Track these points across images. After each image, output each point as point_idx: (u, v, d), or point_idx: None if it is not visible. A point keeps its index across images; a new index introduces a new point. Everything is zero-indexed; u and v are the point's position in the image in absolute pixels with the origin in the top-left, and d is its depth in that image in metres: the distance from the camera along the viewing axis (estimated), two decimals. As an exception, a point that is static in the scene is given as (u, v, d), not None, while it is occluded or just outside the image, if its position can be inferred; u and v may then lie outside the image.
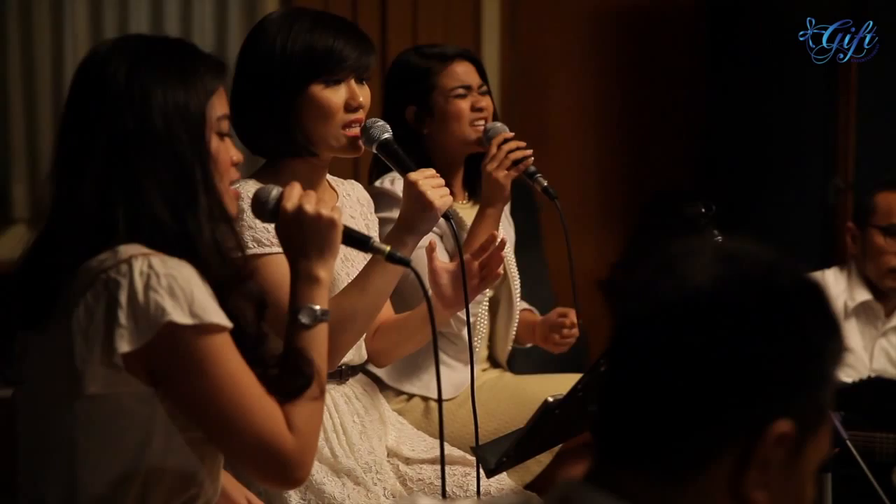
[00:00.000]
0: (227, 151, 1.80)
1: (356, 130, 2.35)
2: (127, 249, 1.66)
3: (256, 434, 1.70)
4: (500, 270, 2.44)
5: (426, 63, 2.86)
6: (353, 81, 2.34)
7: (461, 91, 2.85)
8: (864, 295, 3.39)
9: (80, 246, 1.68)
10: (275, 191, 1.88)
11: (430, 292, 2.38)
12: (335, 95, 2.32)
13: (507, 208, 2.99)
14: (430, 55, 2.89)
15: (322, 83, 2.31)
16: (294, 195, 1.86)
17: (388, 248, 1.93)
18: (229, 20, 4.40)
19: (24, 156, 4.18)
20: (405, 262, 1.94)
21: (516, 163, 2.75)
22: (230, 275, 1.73)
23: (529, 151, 2.76)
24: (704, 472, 1.12)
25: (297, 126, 2.32)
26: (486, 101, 2.88)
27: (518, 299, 2.98)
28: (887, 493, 2.58)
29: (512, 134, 2.79)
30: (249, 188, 2.15)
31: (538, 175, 2.80)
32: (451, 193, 2.85)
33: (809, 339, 1.14)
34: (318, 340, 1.82)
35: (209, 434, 1.73)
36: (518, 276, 3.00)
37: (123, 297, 1.63)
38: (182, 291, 1.64)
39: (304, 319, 1.81)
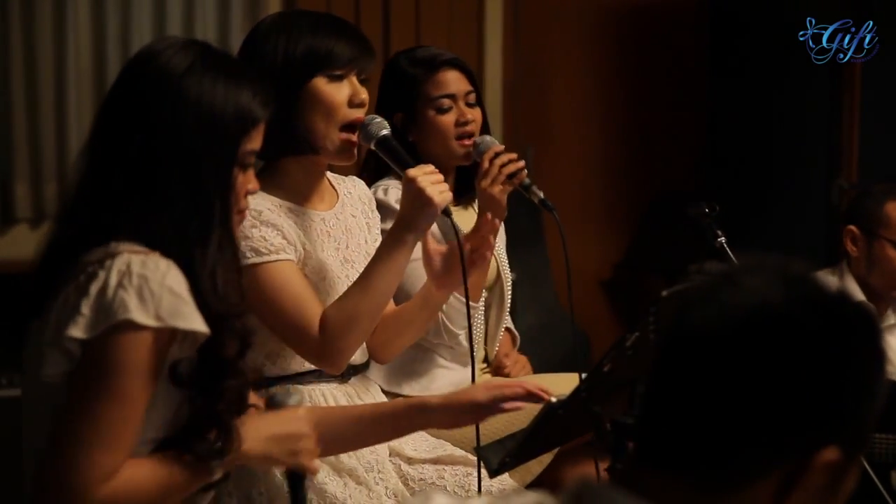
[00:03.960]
0: (245, 183, 1.80)
1: (353, 136, 2.34)
2: (119, 246, 1.68)
3: (78, 466, 1.64)
4: (489, 254, 2.42)
5: (413, 70, 2.82)
6: (354, 78, 2.33)
7: (446, 102, 2.80)
8: (857, 296, 3.38)
9: (80, 242, 1.70)
10: (292, 399, 1.88)
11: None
12: (338, 91, 2.32)
13: None
14: (419, 61, 2.83)
15: (325, 77, 2.31)
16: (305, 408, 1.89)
17: None
18: (231, 22, 4.40)
19: (26, 155, 4.18)
20: None
21: (510, 176, 2.70)
22: (222, 311, 1.73)
23: (522, 164, 2.71)
24: (747, 489, 1.11)
25: (299, 121, 2.31)
26: (473, 113, 2.82)
27: (509, 300, 2.97)
28: (888, 495, 2.58)
29: (502, 147, 2.74)
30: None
31: (533, 187, 2.73)
32: None
33: (867, 370, 1.14)
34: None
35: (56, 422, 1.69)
36: (510, 277, 2.97)
37: (94, 289, 1.64)
38: (151, 294, 1.64)
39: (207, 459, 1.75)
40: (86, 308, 1.64)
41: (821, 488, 1.10)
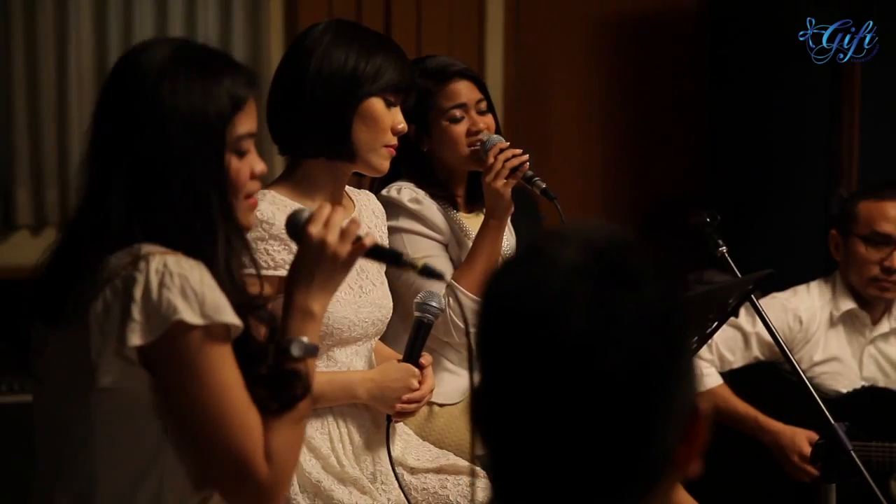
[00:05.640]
0: (246, 168, 1.80)
1: (394, 149, 2.45)
2: (145, 248, 1.69)
3: (233, 451, 1.70)
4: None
5: (424, 82, 2.83)
6: (399, 108, 2.44)
7: (457, 113, 2.84)
8: (849, 304, 3.38)
9: (100, 247, 1.71)
10: (306, 212, 1.87)
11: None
12: (389, 116, 2.42)
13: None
14: (429, 72, 2.86)
15: (383, 100, 2.41)
16: (321, 219, 1.84)
17: (421, 263, 1.90)
18: (233, 24, 4.39)
19: (27, 161, 4.17)
20: (440, 277, 1.91)
21: (514, 170, 2.76)
22: (243, 303, 1.74)
23: (525, 157, 2.77)
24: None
25: (347, 130, 2.39)
26: (484, 121, 2.86)
27: None
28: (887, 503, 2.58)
29: (507, 143, 2.80)
30: (270, 201, 2.31)
31: (536, 178, 2.81)
32: (456, 203, 2.88)
33: (689, 373, 1.13)
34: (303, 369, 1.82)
35: (190, 443, 1.73)
36: None
37: (138, 293, 1.65)
38: (193, 292, 1.66)
39: (296, 353, 1.81)
40: (137, 313, 1.65)
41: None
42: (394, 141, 2.43)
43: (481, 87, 2.91)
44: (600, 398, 1.07)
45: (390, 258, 1.96)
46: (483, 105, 2.88)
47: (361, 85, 2.38)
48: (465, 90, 2.86)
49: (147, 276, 1.66)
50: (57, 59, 4.18)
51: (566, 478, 1.09)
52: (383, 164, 2.45)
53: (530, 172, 2.79)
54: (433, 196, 2.83)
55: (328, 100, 2.37)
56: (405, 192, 2.79)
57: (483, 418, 1.15)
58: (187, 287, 1.66)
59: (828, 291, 3.41)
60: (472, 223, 2.87)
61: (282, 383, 1.77)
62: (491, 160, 2.76)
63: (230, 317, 1.69)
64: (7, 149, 4.17)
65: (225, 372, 1.70)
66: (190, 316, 1.65)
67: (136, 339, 1.65)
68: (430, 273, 1.90)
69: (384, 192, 2.80)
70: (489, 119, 2.88)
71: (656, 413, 1.09)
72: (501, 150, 2.77)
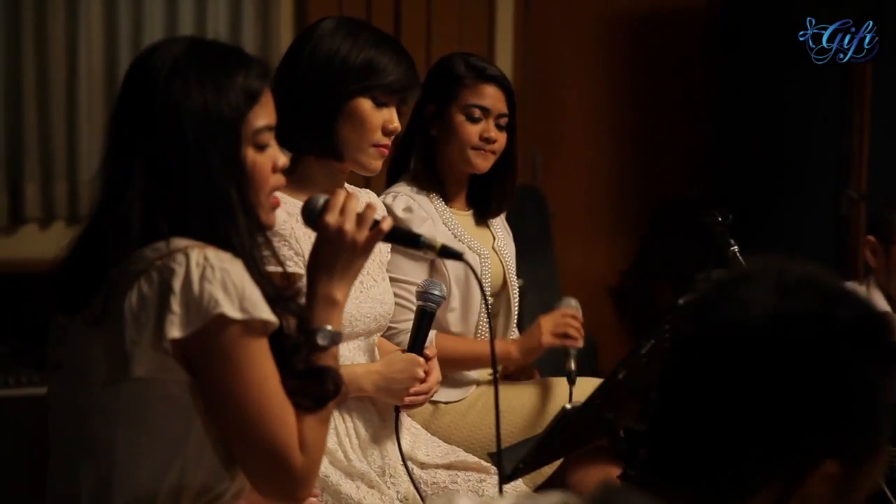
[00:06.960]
0: (267, 162, 1.80)
1: (384, 147, 2.40)
2: (178, 241, 1.68)
3: (271, 443, 1.71)
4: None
5: (461, 73, 2.84)
6: (394, 108, 2.39)
7: (477, 112, 2.83)
8: (883, 307, 3.39)
9: (126, 242, 1.70)
10: (321, 200, 1.87)
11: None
12: (378, 116, 2.37)
13: (502, 217, 3.00)
14: (471, 66, 2.86)
15: (371, 100, 2.37)
16: (336, 206, 1.84)
17: (440, 244, 1.90)
18: (243, 21, 4.40)
19: (36, 155, 4.18)
20: (459, 256, 1.92)
21: (565, 336, 2.82)
22: (273, 295, 1.74)
23: (580, 340, 2.84)
24: (747, 500, 1.12)
25: (334, 128, 2.36)
26: (499, 135, 2.84)
27: (516, 306, 2.98)
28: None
29: (580, 318, 2.87)
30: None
31: (571, 359, 2.83)
32: (447, 197, 2.86)
33: (866, 378, 1.13)
34: (332, 362, 1.83)
35: (225, 435, 1.73)
36: (517, 287, 2.98)
37: (177, 285, 1.65)
38: (234, 286, 1.66)
39: (322, 342, 1.81)
40: (176, 305, 1.65)
41: (823, 499, 1.11)
42: (384, 140, 2.39)
43: (511, 103, 2.88)
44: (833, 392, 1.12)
45: (408, 240, 1.95)
46: (503, 121, 2.86)
47: (347, 82, 2.34)
48: (494, 96, 2.85)
49: (187, 268, 1.65)
50: (67, 54, 4.18)
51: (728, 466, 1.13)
52: (373, 163, 2.41)
53: (573, 351, 2.83)
54: (429, 187, 2.82)
55: (314, 94, 2.35)
56: (399, 199, 2.76)
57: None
58: (228, 281, 1.66)
59: (861, 294, 3.42)
60: (464, 222, 2.87)
61: (313, 382, 1.78)
62: (559, 317, 2.83)
63: (267, 314, 1.69)
64: (16, 143, 4.17)
65: (262, 366, 1.70)
66: (230, 310, 1.65)
67: (174, 331, 1.64)
68: (448, 253, 1.91)
69: (381, 197, 2.79)
70: (503, 137, 2.86)
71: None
72: (572, 317, 2.84)
